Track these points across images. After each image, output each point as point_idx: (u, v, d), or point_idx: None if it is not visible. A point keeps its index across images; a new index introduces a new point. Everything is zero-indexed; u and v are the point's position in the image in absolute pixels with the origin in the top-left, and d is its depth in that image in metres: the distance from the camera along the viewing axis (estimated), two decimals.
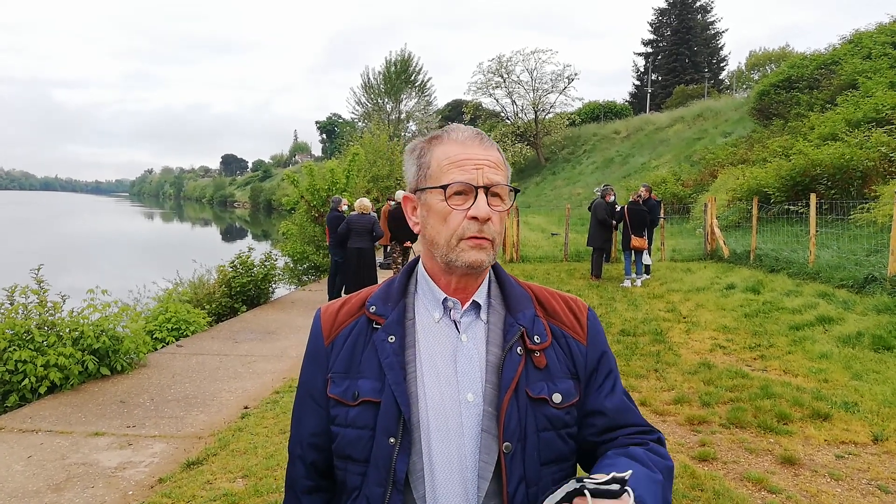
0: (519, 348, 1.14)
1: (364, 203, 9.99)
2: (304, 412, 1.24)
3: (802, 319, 7.77)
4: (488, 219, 1.10)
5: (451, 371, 1.13)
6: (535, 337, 1.16)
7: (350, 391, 1.14)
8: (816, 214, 10.99)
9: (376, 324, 1.17)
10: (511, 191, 1.16)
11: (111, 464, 4.34)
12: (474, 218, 1.10)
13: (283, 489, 4.08)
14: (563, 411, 1.15)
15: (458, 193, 1.12)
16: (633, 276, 11.69)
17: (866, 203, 12.58)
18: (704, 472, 4.06)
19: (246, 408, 5.53)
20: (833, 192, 13.95)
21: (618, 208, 12.21)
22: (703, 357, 6.78)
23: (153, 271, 13.14)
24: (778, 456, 4.30)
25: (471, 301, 1.18)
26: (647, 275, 12.05)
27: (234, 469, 4.20)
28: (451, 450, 1.09)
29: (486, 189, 1.11)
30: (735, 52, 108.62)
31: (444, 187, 1.12)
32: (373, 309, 1.19)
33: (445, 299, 1.17)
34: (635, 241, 11.45)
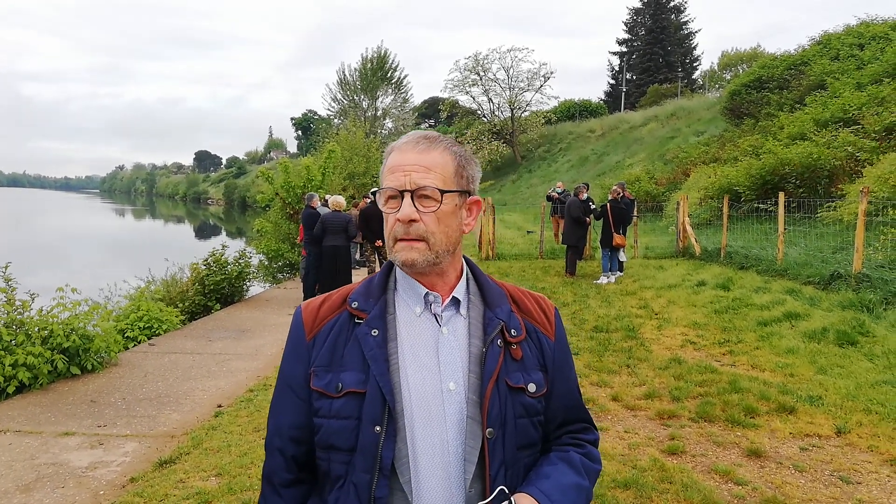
0: (499, 341, 1.22)
1: (338, 200, 9.93)
2: (284, 405, 1.27)
3: (770, 315, 7.94)
4: (411, 220, 1.17)
5: (434, 361, 1.19)
6: (513, 330, 1.25)
7: (333, 384, 1.19)
8: (785, 213, 11.24)
9: (358, 318, 1.22)
10: (442, 193, 1.19)
11: (82, 463, 4.29)
12: (400, 220, 1.18)
13: (256, 487, 4.05)
14: (536, 400, 1.24)
15: (391, 198, 1.21)
16: (609, 272, 11.81)
17: (833, 202, 12.87)
18: (673, 465, 4.15)
19: (219, 406, 5.50)
20: (801, 190, 14.26)
21: (592, 206, 12.33)
22: (673, 353, 6.89)
23: (125, 269, 12.95)
24: (745, 449, 4.41)
25: (451, 297, 1.24)
26: (621, 272, 12.20)
27: (208, 467, 4.18)
28: (433, 437, 1.15)
29: (413, 193, 1.18)
30: (708, 52, 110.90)
31: (375, 193, 1.22)
32: (355, 304, 1.24)
33: (427, 294, 1.23)
34: (618, 239, 11.57)
